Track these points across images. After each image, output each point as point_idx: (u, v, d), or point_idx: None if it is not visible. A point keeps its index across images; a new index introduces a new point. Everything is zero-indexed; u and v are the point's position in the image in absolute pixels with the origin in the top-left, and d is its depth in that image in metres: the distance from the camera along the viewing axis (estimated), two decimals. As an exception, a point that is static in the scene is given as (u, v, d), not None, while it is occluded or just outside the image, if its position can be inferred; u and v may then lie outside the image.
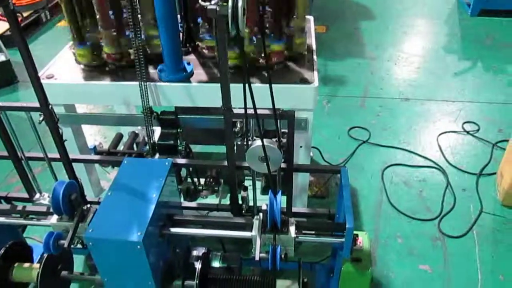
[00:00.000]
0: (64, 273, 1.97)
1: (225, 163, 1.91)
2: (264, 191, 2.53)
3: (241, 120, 1.98)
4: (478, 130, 3.72)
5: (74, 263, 2.16)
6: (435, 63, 4.81)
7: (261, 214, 1.70)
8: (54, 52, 2.43)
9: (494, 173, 3.22)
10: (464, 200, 3.05)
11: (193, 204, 2.22)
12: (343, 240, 1.68)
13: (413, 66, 4.74)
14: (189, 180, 2.42)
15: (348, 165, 3.33)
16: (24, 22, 5.36)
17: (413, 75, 4.60)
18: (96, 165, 2.77)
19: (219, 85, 1.66)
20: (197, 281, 1.83)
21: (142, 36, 2.17)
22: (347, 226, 1.62)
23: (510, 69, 4.61)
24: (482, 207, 2.98)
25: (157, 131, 2.32)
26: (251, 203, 2.14)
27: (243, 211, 2.12)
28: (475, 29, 5.50)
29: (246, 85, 1.51)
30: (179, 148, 2.14)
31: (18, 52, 1.56)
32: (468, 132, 3.70)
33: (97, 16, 2.10)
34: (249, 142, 1.87)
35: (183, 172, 2.42)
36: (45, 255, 1.90)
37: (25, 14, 5.40)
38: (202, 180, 2.48)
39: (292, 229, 1.69)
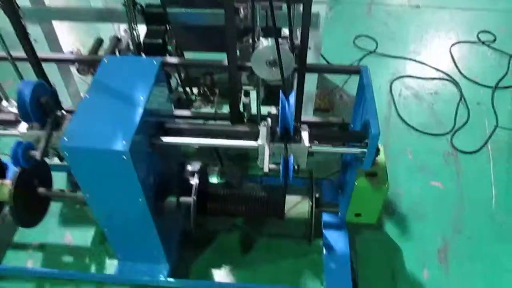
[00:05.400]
0: (41, 189, 1.74)
1: (225, 62, 1.61)
2: (265, 102, 2.27)
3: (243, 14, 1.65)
4: (494, 40, 3.45)
5: (52, 180, 1.92)
6: (448, -34, 4.37)
7: (269, 120, 1.44)
8: None
9: (511, 86, 3.00)
10: (479, 114, 2.86)
11: (187, 112, 1.94)
12: (365, 150, 1.44)
13: (424, -30, 4.31)
14: (180, 89, 2.14)
15: (354, 77, 3.05)
16: None
17: (425, -21, 4.19)
18: (75, 74, 2.45)
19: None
20: (195, 197, 1.60)
21: None
22: (372, 132, 1.37)
23: (530, -25, 4.22)
24: (498, 121, 2.80)
25: (143, 29, 1.99)
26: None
27: (244, 121, 1.86)
28: None
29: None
30: (169, 47, 1.83)
31: None
32: (483, 43, 3.43)
33: None
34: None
35: (173, 83, 2.14)
36: (18, 170, 1.65)
37: None
38: (195, 90, 2.20)
39: (306, 136, 1.44)
